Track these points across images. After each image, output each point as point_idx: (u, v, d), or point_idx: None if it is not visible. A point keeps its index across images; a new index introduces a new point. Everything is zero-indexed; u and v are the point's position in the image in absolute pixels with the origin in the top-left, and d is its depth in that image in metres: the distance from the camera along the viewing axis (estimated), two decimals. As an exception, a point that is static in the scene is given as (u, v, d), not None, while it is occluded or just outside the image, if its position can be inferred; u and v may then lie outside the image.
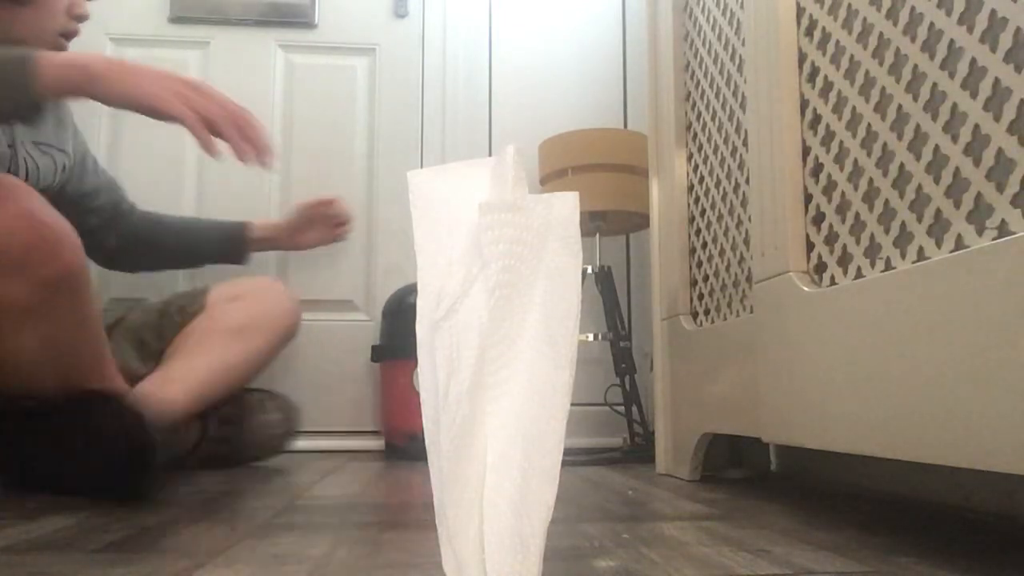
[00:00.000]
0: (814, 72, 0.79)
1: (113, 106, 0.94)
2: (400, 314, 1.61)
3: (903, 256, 0.64)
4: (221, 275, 1.51)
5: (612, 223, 1.60)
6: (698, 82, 1.15)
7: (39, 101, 0.96)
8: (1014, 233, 0.50)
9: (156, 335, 1.31)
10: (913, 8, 0.63)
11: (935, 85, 0.60)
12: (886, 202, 0.66)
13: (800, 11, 0.82)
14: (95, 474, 0.87)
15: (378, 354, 1.66)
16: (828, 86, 0.76)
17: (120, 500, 0.86)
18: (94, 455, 0.86)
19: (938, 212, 0.60)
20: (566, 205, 0.40)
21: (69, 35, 1.20)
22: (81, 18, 1.20)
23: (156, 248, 1.49)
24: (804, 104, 0.81)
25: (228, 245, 1.52)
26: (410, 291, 1.64)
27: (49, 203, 0.92)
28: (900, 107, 0.65)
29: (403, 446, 1.55)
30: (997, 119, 0.53)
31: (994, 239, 0.52)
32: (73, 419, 0.88)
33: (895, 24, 0.66)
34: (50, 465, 0.90)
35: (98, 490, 0.87)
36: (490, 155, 1.49)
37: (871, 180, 0.69)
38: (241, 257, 1.54)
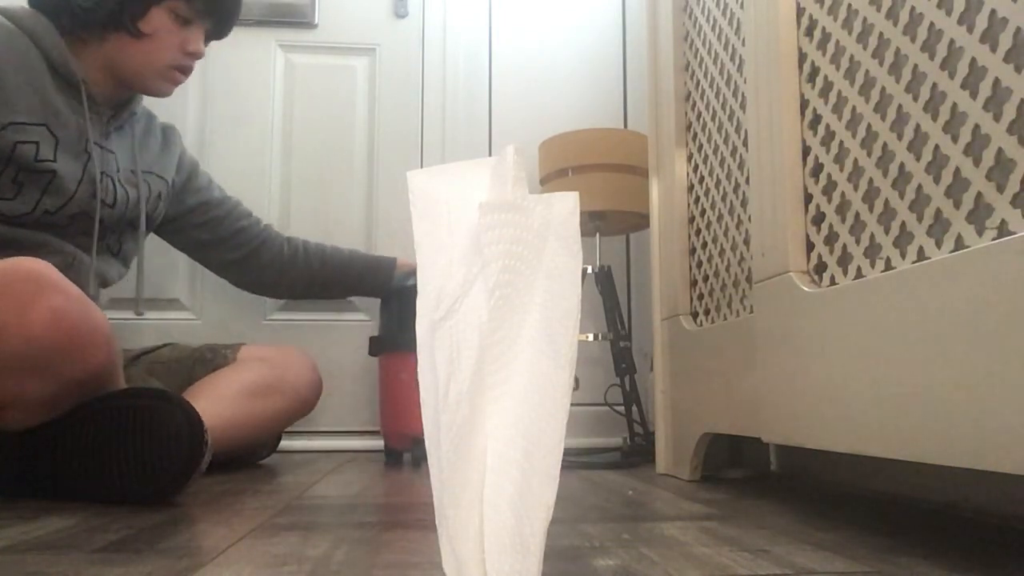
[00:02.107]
0: (814, 72, 0.79)
1: None
2: (401, 301, 1.44)
3: (903, 256, 0.64)
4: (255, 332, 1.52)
5: (612, 223, 1.60)
6: (698, 82, 1.15)
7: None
8: (1014, 233, 0.50)
9: (183, 371, 1.32)
10: (913, 8, 0.63)
11: (935, 85, 0.60)
12: (886, 202, 0.66)
13: (800, 11, 0.82)
14: (144, 468, 0.83)
15: (376, 347, 1.47)
16: (828, 86, 0.76)
17: (132, 500, 0.84)
18: (156, 447, 0.83)
19: (938, 212, 0.60)
20: (566, 205, 0.40)
21: (183, 70, 1.24)
22: (195, 55, 1.24)
23: (293, 275, 1.51)
24: (804, 104, 0.81)
25: (379, 283, 1.53)
26: (412, 275, 1.46)
27: (84, 294, 0.90)
28: (900, 107, 0.65)
29: (404, 450, 1.42)
30: (997, 119, 0.53)
31: (994, 239, 0.52)
32: (134, 412, 0.85)
33: (895, 24, 0.66)
34: (93, 464, 0.86)
35: (136, 488, 0.84)
36: (490, 155, 1.49)
37: (871, 180, 0.69)
38: (383, 293, 1.55)
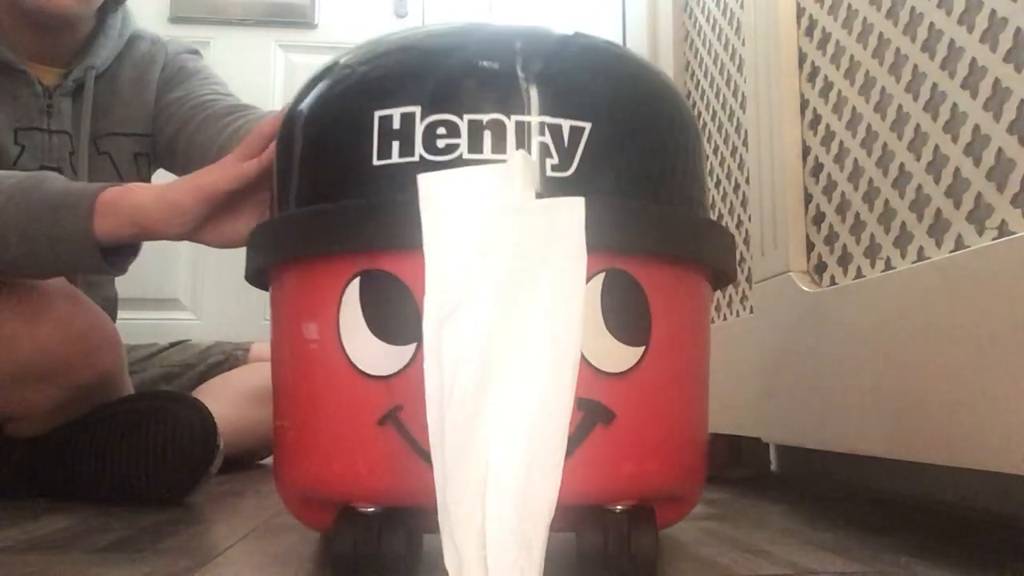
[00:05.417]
0: (814, 72, 0.79)
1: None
2: (297, 144, 0.52)
3: (903, 256, 0.64)
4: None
5: (611, 223, 1.59)
6: (698, 82, 1.15)
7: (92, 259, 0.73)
8: (1014, 233, 0.50)
9: (195, 374, 1.30)
10: (913, 8, 0.63)
11: (935, 85, 0.60)
12: (886, 202, 0.67)
13: (800, 11, 0.82)
14: (159, 467, 0.83)
15: (255, 261, 0.54)
16: (828, 86, 0.76)
17: (142, 501, 0.84)
18: (169, 448, 0.83)
19: (938, 212, 0.60)
20: (571, 210, 0.41)
21: None
22: None
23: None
24: (804, 104, 0.81)
25: None
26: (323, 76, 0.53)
27: (92, 301, 0.89)
28: (900, 107, 0.65)
29: (323, 530, 0.57)
30: (997, 119, 0.53)
31: (994, 239, 0.52)
32: (147, 414, 0.85)
33: (895, 24, 0.66)
34: (110, 465, 0.85)
35: (147, 489, 0.84)
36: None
37: (871, 180, 0.69)
38: None
